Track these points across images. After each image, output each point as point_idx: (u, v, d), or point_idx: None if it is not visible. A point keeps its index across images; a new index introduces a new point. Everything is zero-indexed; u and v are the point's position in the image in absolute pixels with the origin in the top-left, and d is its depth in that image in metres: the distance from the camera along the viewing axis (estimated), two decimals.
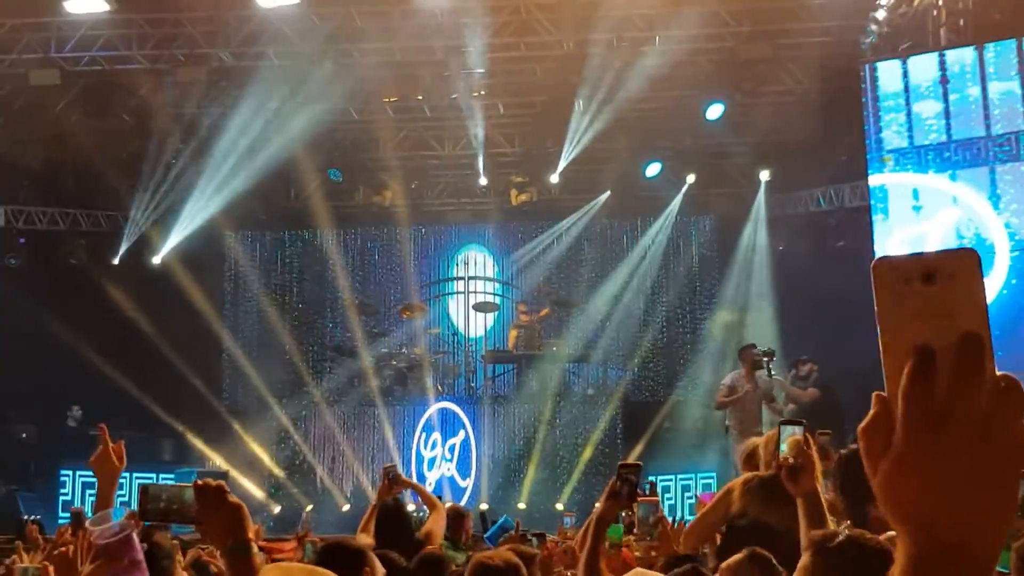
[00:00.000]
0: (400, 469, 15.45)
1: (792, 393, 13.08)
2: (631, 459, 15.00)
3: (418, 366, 16.51)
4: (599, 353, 17.06)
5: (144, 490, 2.54)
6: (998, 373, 0.92)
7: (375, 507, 6.55)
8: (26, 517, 12.68)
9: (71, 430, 15.93)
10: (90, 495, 15.11)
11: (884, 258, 0.96)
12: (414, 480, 10.65)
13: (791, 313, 14.66)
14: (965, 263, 0.94)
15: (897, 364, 0.93)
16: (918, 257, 0.95)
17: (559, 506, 15.40)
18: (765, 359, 12.25)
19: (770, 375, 12.27)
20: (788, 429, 3.32)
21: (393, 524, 6.24)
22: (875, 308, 0.96)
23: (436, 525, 6.58)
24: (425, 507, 7.29)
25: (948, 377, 0.91)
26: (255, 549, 2.46)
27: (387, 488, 6.66)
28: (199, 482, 2.46)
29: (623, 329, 17.12)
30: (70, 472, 15.15)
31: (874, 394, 0.96)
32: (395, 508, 6.52)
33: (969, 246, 0.97)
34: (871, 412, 0.95)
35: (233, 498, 2.46)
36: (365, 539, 5.45)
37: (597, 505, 4.60)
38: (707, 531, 5.27)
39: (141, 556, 2.85)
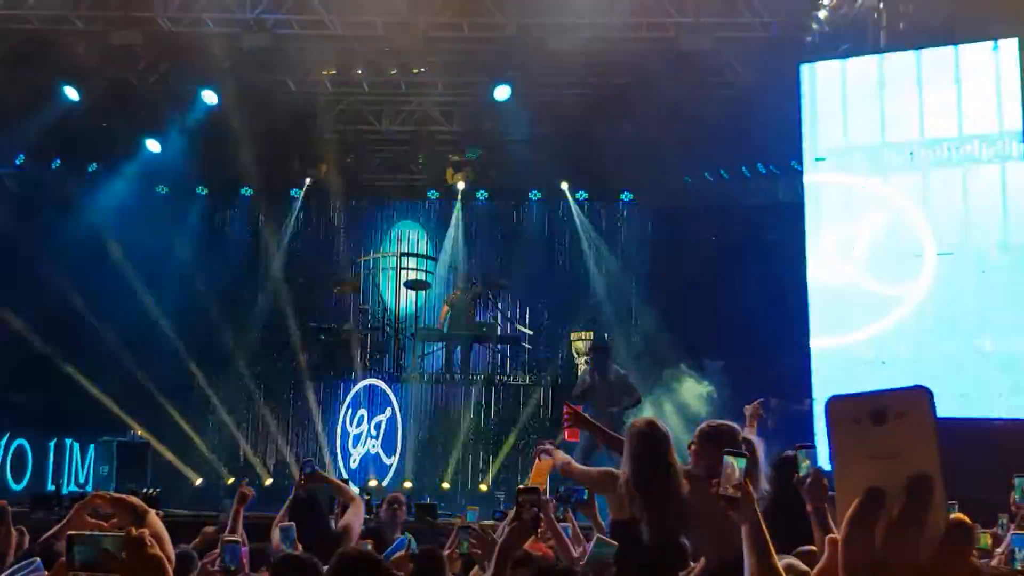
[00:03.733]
0: (325, 452, 15.62)
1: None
2: (558, 441, 15.18)
3: (347, 342, 16.41)
4: (530, 335, 17.13)
5: (70, 539, 2.47)
6: (951, 516, 0.91)
7: (291, 500, 6.55)
8: None
9: None
10: (12, 462, 14.82)
11: (836, 398, 0.96)
12: (341, 465, 10.54)
13: (719, 304, 14.81)
14: (915, 401, 0.93)
15: (848, 504, 0.93)
16: (869, 396, 0.95)
17: (483, 487, 15.49)
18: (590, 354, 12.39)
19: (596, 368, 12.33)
20: (730, 460, 3.35)
21: (308, 518, 6.20)
22: (829, 447, 0.96)
23: (355, 519, 6.54)
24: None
25: (889, 524, 0.90)
26: None
27: (304, 483, 6.64)
28: (127, 531, 2.40)
29: (555, 311, 17.19)
30: None
31: (827, 538, 0.96)
32: (309, 501, 6.49)
33: (921, 384, 0.96)
34: (824, 556, 0.95)
35: (153, 550, 2.40)
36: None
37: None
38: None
39: None
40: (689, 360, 14.77)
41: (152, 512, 2.86)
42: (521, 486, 4.77)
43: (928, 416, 0.93)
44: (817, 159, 12.61)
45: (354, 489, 7.74)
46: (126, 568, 2.36)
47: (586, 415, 6.26)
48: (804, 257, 12.61)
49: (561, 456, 5.99)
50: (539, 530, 5.51)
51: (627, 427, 5.25)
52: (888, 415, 0.93)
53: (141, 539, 2.38)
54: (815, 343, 12.33)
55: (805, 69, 12.70)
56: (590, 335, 16.43)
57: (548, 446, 6.12)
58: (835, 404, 0.96)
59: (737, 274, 14.75)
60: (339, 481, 7.38)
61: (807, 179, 12.83)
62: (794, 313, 12.78)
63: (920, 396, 0.94)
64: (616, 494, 5.00)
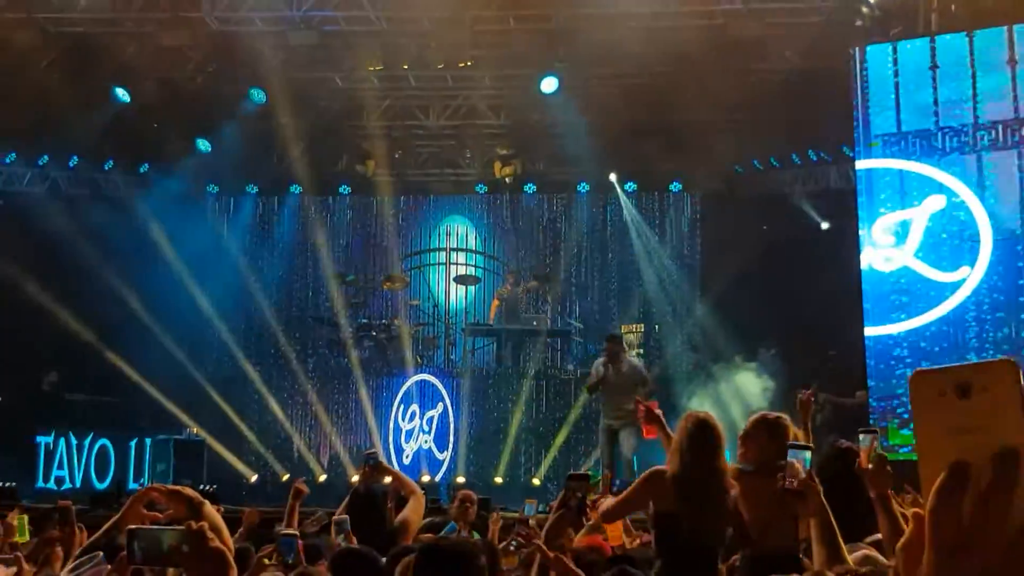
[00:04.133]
0: (380, 453, 15.69)
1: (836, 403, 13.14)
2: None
3: (398, 337, 16.46)
4: (580, 328, 17.08)
5: (131, 533, 2.46)
6: None
7: (352, 494, 6.51)
8: (2, 484, 12.60)
9: (46, 395, 15.82)
10: (68, 460, 15.06)
11: (920, 371, 0.95)
12: (394, 460, 10.49)
13: (773, 294, 14.66)
14: (1001, 374, 0.92)
15: (933, 479, 0.92)
16: (954, 369, 0.94)
17: (536, 481, 15.45)
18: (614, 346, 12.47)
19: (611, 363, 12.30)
20: (795, 454, 3.31)
21: (365, 513, 6.16)
22: (912, 420, 0.95)
23: (414, 514, 6.40)
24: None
25: (978, 498, 0.89)
26: None
27: (368, 475, 6.58)
28: (187, 524, 2.38)
29: (605, 304, 17.12)
30: (45, 438, 15.06)
31: (911, 512, 0.96)
32: (367, 496, 6.43)
33: (1007, 357, 0.95)
34: (907, 531, 0.94)
35: (215, 543, 2.36)
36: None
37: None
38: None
39: None
40: (743, 352, 14.65)
41: (207, 503, 2.86)
42: (572, 472, 4.74)
43: (1014, 389, 0.92)
44: (870, 144, 12.43)
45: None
46: (189, 561, 2.35)
47: (659, 412, 6.14)
48: (858, 244, 12.45)
49: (601, 509, 5.79)
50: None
51: (680, 420, 5.18)
52: (973, 388, 0.92)
53: (202, 532, 2.37)
54: (869, 332, 12.17)
55: (856, 53, 12.53)
56: (640, 328, 16.36)
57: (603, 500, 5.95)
58: (919, 377, 0.95)
59: (789, 263, 14.62)
60: (403, 474, 7.24)
61: (860, 165, 12.66)
62: (848, 302, 12.63)
63: (1006, 368, 0.93)
64: (663, 487, 4.94)
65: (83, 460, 15.20)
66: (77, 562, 2.74)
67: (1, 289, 14.65)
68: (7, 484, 12.54)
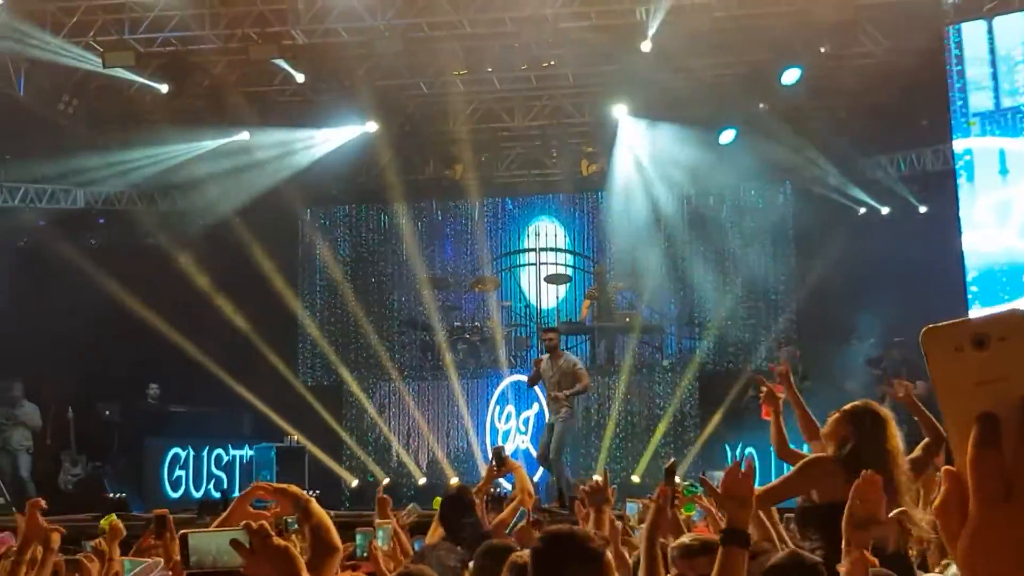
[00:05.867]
0: (475, 449, 15.76)
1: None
2: (709, 429, 15.01)
3: (491, 339, 16.52)
4: (674, 323, 16.95)
5: (184, 539, 2.44)
6: None
7: (482, 484, 6.49)
8: (111, 495, 12.94)
9: (151, 407, 16.22)
10: (173, 471, 15.43)
11: (931, 328, 0.95)
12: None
13: (871, 282, 14.36)
14: (1015, 325, 0.93)
15: (962, 434, 0.92)
16: (965, 323, 0.94)
17: (635, 478, 15.36)
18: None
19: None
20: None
21: (457, 513, 6.13)
22: (930, 379, 0.95)
23: (511, 516, 6.35)
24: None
25: (1014, 442, 0.89)
26: None
27: (494, 470, 6.55)
28: (245, 525, 2.35)
29: (699, 299, 16.95)
30: (153, 449, 15.44)
31: (943, 469, 0.94)
32: (458, 495, 6.40)
33: (1015, 308, 0.95)
34: (942, 490, 0.93)
35: (278, 540, 2.36)
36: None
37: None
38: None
39: None
40: (840, 341, 14.40)
41: (314, 501, 2.87)
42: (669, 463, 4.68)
43: None
44: (967, 123, 12.10)
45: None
46: (250, 562, 2.33)
47: (778, 394, 6.01)
48: (958, 227, 12.13)
49: (758, 493, 5.69)
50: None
51: (844, 408, 5.05)
52: (991, 340, 0.93)
53: (264, 530, 2.37)
54: (973, 315, 11.82)
55: (950, 32, 12.22)
56: (735, 321, 16.19)
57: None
58: (932, 334, 0.95)
59: (886, 248, 14.30)
60: (525, 474, 7.08)
61: (957, 145, 12.33)
62: (950, 286, 12.33)
63: (1017, 318, 0.93)
64: (826, 477, 4.81)
65: (189, 470, 15.55)
66: (141, 567, 2.74)
67: (105, 303, 15.06)
68: (118, 495, 12.89)
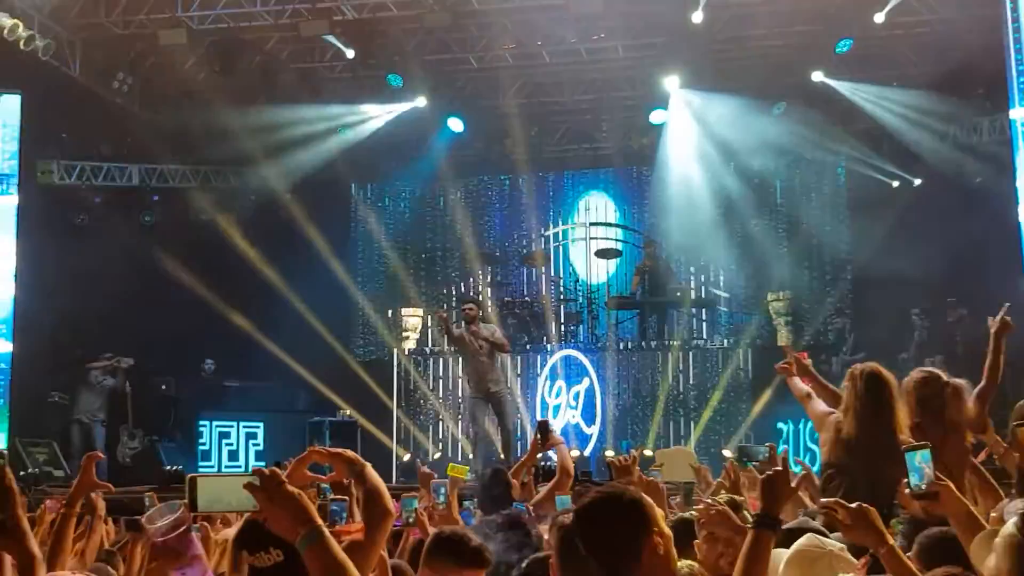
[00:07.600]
0: (527, 424, 15.78)
1: None
2: (759, 405, 14.93)
3: (541, 314, 16.52)
4: (726, 297, 16.85)
5: (192, 481, 2.45)
6: None
7: (528, 458, 6.48)
8: (168, 467, 13.15)
9: (206, 381, 16.46)
10: (227, 444, 15.69)
11: None
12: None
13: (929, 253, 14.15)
14: None
15: None
16: None
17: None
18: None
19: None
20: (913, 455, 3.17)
21: (495, 489, 6.10)
22: None
23: (548, 497, 6.19)
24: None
25: None
26: (327, 536, 2.36)
27: (539, 443, 6.53)
28: (256, 470, 2.37)
29: (750, 272, 16.83)
30: (207, 422, 15.69)
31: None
32: (494, 473, 6.37)
33: None
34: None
35: (290, 488, 2.37)
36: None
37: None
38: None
39: (201, 550, 2.79)
40: (894, 313, 14.24)
41: (369, 466, 2.90)
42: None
43: None
44: None
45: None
46: (263, 505, 2.36)
47: (808, 363, 5.88)
48: (1016, 199, 11.91)
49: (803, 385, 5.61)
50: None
51: (846, 377, 5.00)
52: None
53: (276, 476, 2.38)
54: None
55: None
56: (787, 295, 16.04)
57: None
58: None
59: (941, 222, 14.09)
60: (566, 450, 7.01)
61: (1015, 115, 12.09)
62: (1006, 260, 12.13)
63: None
64: (831, 437, 4.81)
65: (243, 443, 15.77)
66: (159, 506, 2.76)
67: (160, 279, 15.28)
68: (175, 467, 13.09)
